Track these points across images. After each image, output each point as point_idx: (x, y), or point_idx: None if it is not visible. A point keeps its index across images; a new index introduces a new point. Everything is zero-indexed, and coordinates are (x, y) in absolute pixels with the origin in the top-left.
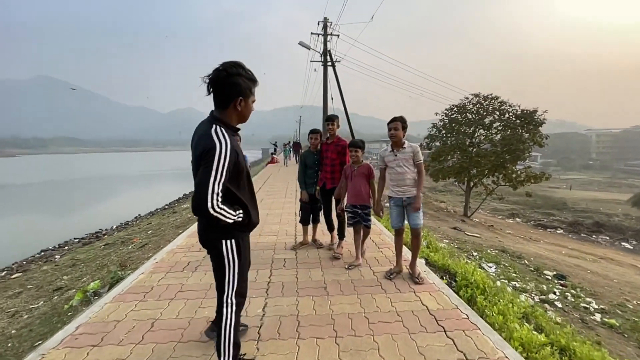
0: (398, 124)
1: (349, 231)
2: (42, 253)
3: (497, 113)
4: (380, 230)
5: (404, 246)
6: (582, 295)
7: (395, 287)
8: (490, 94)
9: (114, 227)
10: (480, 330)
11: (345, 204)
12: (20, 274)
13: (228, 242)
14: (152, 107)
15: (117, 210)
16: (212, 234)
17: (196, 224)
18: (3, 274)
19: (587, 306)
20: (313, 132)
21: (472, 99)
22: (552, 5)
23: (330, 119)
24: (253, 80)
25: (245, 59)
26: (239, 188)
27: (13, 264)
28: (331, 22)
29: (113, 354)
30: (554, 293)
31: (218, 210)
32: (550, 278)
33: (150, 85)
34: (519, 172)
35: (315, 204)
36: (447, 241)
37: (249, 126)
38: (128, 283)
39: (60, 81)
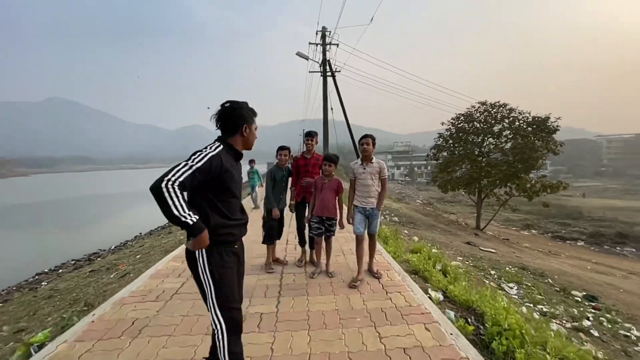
0: (369, 140)
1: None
2: (37, 277)
3: (507, 121)
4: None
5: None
6: (619, 320)
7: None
8: (498, 102)
9: (112, 247)
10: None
11: (311, 215)
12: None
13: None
14: (160, 125)
15: (120, 229)
16: None
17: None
18: None
19: (628, 334)
20: (282, 148)
21: (479, 107)
22: (561, 6)
23: (310, 135)
24: (254, 112)
25: (250, 74)
26: (220, 199)
27: (2, 290)
28: (330, 32)
29: None
30: (587, 319)
31: (168, 188)
32: (580, 300)
33: (158, 103)
34: (533, 181)
35: (281, 222)
36: (461, 258)
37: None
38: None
39: (71, 102)
